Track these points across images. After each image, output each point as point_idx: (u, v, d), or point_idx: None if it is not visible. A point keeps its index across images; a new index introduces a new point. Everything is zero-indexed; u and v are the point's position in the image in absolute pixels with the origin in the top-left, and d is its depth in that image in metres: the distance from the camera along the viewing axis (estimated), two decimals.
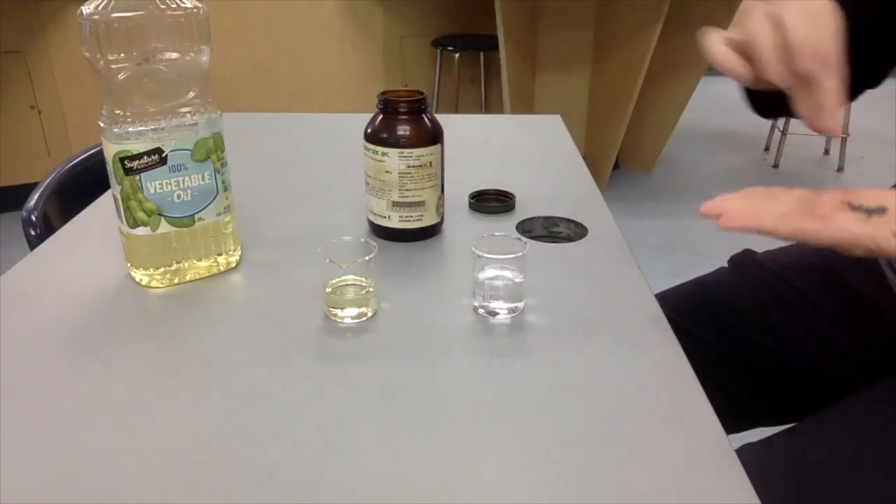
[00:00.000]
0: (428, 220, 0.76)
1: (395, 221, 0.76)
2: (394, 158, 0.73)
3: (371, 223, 0.78)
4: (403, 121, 0.73)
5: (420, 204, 0.75)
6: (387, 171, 0.73)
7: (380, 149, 0.73)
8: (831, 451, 0.62)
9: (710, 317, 0.84)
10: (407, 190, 0.74)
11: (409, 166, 0.73)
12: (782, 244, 0.89)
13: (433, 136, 0.74)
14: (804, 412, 0.69)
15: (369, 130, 0.74)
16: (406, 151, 0.72)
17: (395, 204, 0.75)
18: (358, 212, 0.83)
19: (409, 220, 0.75)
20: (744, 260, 0.88)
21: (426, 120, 0.74)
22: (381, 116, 0.74)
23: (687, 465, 0.45)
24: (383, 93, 0.74)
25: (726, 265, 0.90)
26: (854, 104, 3.71)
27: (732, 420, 0.69)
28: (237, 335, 0.60)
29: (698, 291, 0.88)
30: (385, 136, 0.73)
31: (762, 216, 0.48)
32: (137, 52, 0.59)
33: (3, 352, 0.57)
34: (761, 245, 0.90)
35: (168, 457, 0.46)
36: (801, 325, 0.80)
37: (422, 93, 0.74)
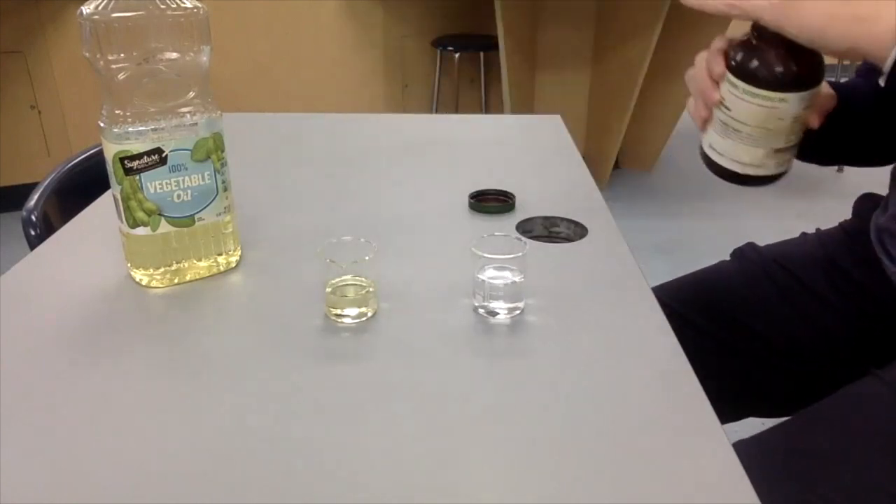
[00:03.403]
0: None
1: (770, 168, 0.63)
2: (793, 104, 0.58)
3: (725, 170, 0.65)
4: (790, 53, 0.56)
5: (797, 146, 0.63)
6: (779, 119, 0.59)
7: (776, 94, 0.58)
8: (828, 441, 0.62)
9: (711, 306, 0.84)
10: (793, 134, 0.61)
11: (804, 108, 0.59)
12: (784, 238, 0.89)
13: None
14: (801, 402, 0.69)
15: (753, 64, 0.58)
16: (805, 94, 0.58)
17: (777, 151, 0.62)
18: (358, 211, 0.83)
19: (783, 165, 0.64)
20: (746, 252, 0.88)
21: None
22: (764, 46, 0.57)
23: (686, 463, 0.45)
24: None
25: (729, 259, 0.91)
26: None
27: (729, 409, 0.69)
28: (237, 335, 0.60)
29: (699, 282, 0.88)
30: (780, 72, 0.57)
31: None
32: (137, 52, 0.59)
33: (3, 352, 0.57)
34: (763, 241, 0.90)
35: (168, 456, 0.46)
36: (802, 315, 0.80)
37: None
